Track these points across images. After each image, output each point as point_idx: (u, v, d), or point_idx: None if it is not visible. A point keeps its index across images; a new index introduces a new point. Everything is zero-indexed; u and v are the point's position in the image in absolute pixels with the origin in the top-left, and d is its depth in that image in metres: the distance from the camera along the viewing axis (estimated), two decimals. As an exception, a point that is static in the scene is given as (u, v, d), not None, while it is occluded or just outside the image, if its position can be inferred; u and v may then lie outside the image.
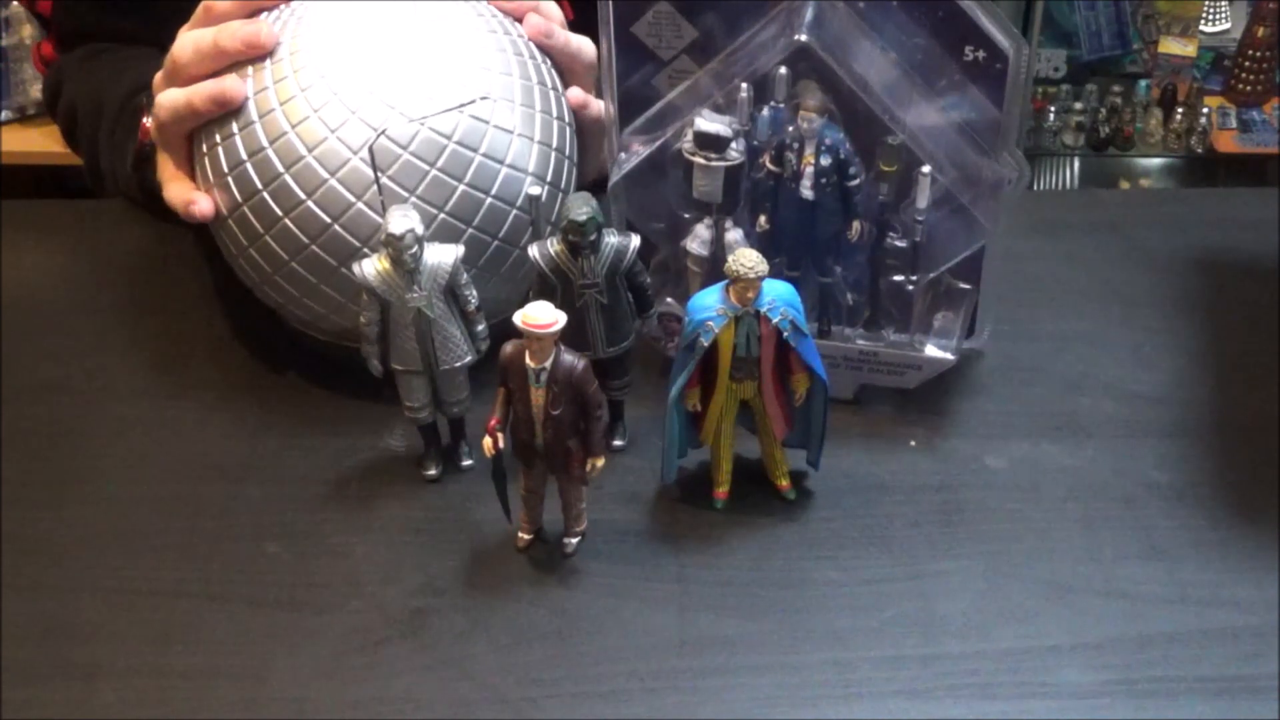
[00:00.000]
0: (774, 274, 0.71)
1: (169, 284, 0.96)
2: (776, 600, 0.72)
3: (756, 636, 0.70)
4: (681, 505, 0.77)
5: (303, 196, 0.77)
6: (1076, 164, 2.29)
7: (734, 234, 0.80)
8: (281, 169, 0.77)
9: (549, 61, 0.85)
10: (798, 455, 0.78)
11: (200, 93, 0.79)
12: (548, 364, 0.68)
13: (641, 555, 0.74)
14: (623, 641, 0.70)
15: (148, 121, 0.89)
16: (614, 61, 0.82)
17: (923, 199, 0.77)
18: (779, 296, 0.71)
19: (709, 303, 0.71)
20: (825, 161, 0.76)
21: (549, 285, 0.74)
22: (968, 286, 0.84)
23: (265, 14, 0.82)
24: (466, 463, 0.80)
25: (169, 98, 0.81)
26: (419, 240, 0.71)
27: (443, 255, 0.73)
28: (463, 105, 0.77)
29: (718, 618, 0.71)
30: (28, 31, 1.98)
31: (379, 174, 0.76)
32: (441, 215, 0.77)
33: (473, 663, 0.68)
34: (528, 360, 0.68)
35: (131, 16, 1.04)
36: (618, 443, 0.81)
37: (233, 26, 0.80)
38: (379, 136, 0.76)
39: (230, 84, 0.78)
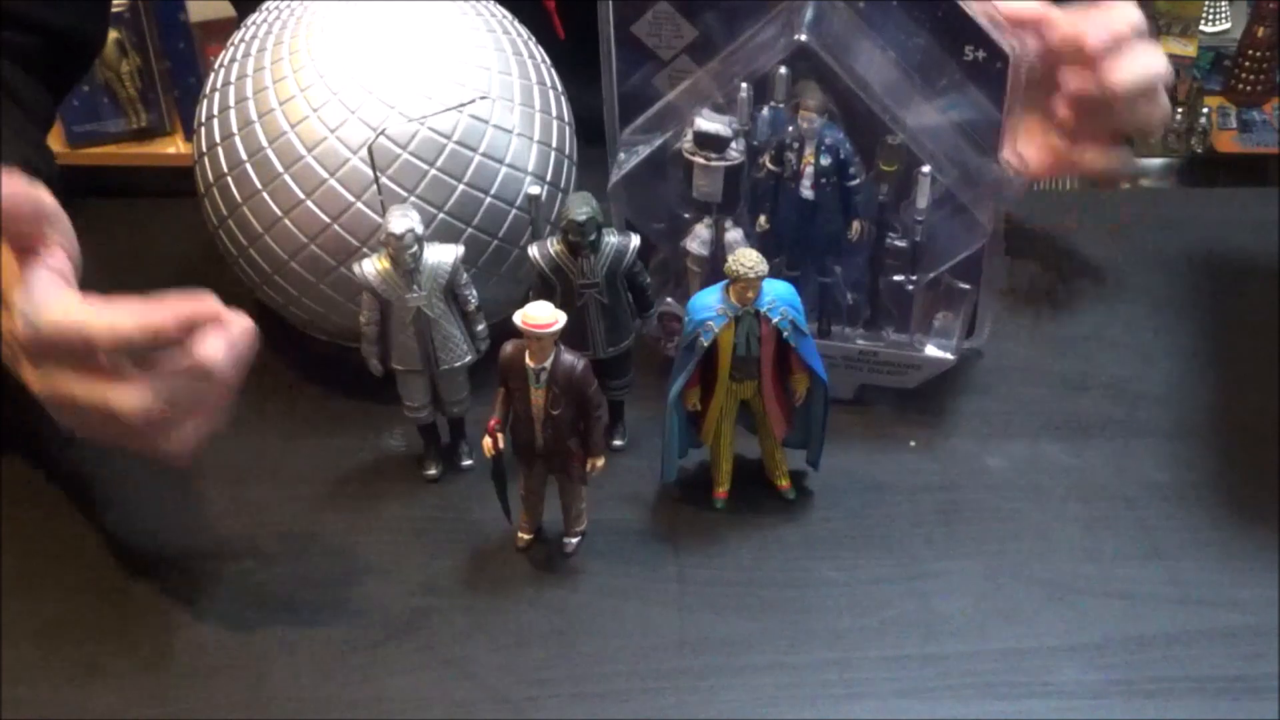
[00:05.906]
0: (774, 274, 0.71)
1: (166, 284, 0.96)
2: (776, 600, 0.72)
3: (756, 636, 0.70)
4: (681, 505, 0.77)
5: (302, 196, 0.77)
6: (1076, 164, 2.28)
7: (734, 234, 0.80)
8: (281, 169, 0.77)
9: (549, 61, 0.85)
10: (798, 455, 0.78)
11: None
12: (548, 364, 0.68)
13: (641, 555, 0.74)
14: (623, 641, 0.69)
15: None
16: (614, 61, 0.82)
17: (923, 199, 0.77)
18: (779, 296, 0.71)
19: (709, 303, 0.71)
20: (825, 161, 0.76)
21: (549, 285, 0.74)
22: (968, 286, 0.84)
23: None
24: (466, 463, 0.80)
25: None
26: (419, 240, 0.71)
27: (443, 255, 0.73)
28: (462, 105, 0.77)
29: (718, 618, 0.71)
30: None
31: (378, 173, 0.76)
32: (441, 215, 0.77)
33: (473, 663, 0.68)
34: (528, 360, 0.68)
35: None
36: (618, 443, 0.81)
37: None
38: (378, 136, 0.76)
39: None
